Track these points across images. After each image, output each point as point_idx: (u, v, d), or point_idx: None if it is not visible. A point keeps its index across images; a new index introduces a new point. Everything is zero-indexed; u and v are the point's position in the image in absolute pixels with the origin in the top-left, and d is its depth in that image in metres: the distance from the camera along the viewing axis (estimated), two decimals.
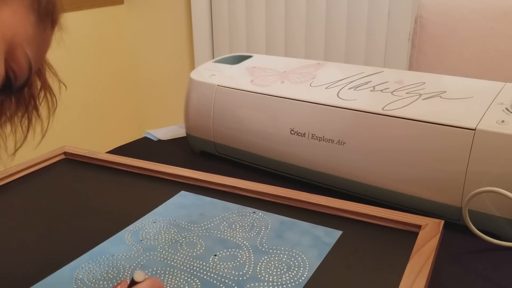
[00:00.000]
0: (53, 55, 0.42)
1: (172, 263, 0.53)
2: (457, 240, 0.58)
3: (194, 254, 0.54)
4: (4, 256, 0.55)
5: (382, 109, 0.63)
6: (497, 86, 0.66)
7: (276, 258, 0.53)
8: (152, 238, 0.57)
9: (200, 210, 0.63)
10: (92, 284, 0.50)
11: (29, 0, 0.36)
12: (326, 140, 0.67)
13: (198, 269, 0.52)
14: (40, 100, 0.44)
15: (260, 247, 0.55)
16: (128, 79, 2.21)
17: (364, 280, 0.50)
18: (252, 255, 0.54)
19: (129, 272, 0.51)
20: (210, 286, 0.49)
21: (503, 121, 0.56)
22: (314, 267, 0.51)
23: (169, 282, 0.50)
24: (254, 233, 0.58)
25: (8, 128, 0.43)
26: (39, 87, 0.43)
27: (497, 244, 0.56)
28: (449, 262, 0.55)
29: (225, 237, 0.57)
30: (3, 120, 0.42)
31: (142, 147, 0.90)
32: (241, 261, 0.53)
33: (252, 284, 0.49)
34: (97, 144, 2.02)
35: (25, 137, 0.44)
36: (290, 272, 0.51)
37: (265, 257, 0.53)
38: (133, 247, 0.56)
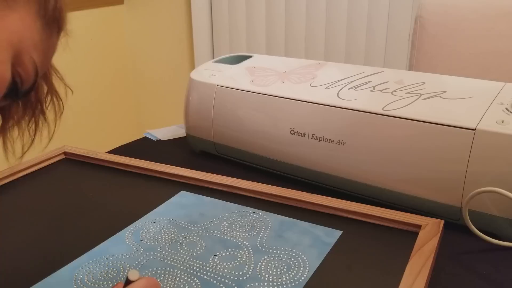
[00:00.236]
0: (55, 59, 0.42)
1: (172, 263, 0.53)
2: (457, 240, 0.58)
3: (194, 254, 0.54)
4: (4, 256, 0.55)
5: (382, 109, 0.63)
6: (497, 86, 0.66)
7: (276, 258, 0.53)
8: (152, 238, 0.57)
9: (200, 210, 0.63)
10: (92, 284, 0.50)
11: (36, 6, 0.36)
12: (326, 140, 0.67)
13: (198, 269, 0.52)
14: (47, 104, 0.44)
15: (260, 247, 0.55)
16: (128, 79, 2.21)
17: (364, 280, 0.50)
18: (252, 255, 0.54)
19: None
20: (210, 286, 0.49)
21: (503, 121, 0.56)
22: (314, 267, 0.51)
23: (169, 282, 0.50)
24: (254, 233, 0.58)
25: (15, 132, 0.43)
26: (45, 91, 0.44)
27: (497, 244, 0.56)
28: (449, 262, 0.55)
29: (225, 237, 0.57)
30: (10, 124, 0.42)
31: (142, 147, 0.90)
32: (241, 261, 0.53)
33: (252, 284, 0.49)
34: (97, 144, 2.02)
35: (32, 141, 0.44)
36: (290, 272, 0.51)
37: (265, 257, 0.53)
38: (133, 247, 0.56)
